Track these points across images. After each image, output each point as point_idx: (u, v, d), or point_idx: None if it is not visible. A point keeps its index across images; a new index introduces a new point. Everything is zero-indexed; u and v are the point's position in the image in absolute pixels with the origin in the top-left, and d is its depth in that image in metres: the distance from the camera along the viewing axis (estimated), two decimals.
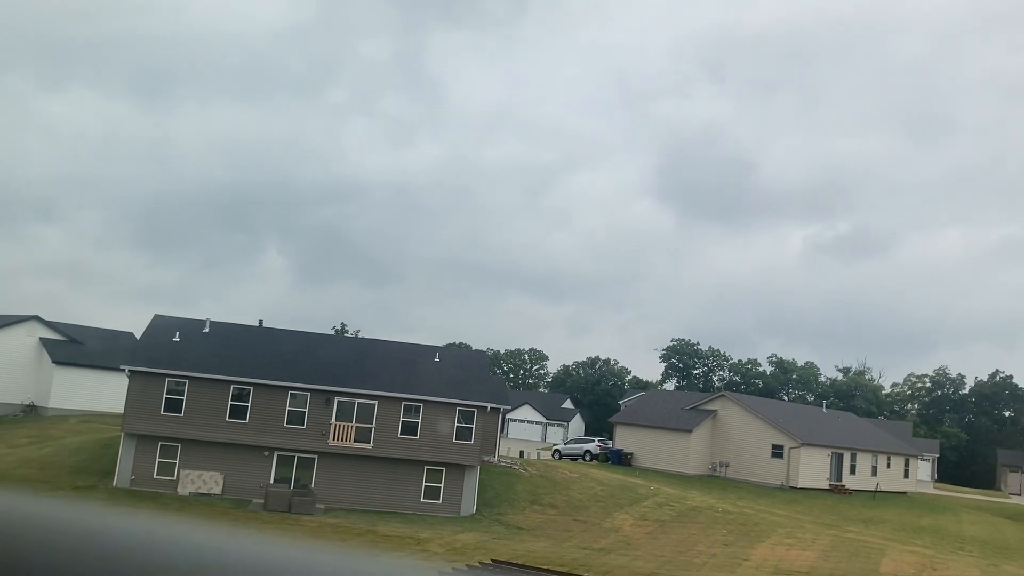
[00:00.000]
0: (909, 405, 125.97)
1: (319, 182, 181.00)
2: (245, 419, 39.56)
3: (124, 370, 39.59)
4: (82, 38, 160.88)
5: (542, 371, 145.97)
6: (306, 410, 39.93)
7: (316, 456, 39.98)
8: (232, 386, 39.73)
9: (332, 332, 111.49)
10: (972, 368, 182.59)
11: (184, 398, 39.27)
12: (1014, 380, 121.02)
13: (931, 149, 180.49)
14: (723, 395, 69.04)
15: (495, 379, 56.41)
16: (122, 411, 40.05)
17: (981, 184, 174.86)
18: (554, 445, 77.90)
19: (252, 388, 39.81)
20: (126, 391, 39.45)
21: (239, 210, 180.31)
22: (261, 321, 48.94)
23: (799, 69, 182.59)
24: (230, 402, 39.62)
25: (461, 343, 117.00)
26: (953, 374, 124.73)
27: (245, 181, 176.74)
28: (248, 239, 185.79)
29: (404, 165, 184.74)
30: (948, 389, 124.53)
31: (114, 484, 38.28)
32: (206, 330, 43.39)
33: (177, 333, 41.94)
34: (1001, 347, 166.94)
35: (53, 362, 56.30)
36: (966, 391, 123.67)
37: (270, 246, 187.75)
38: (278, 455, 39.88)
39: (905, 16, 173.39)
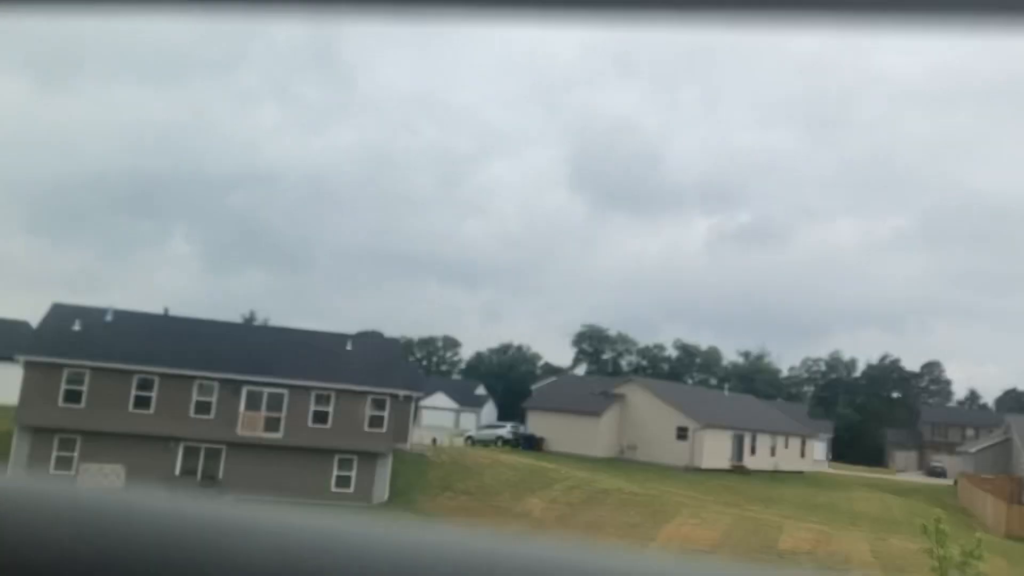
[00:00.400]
0: (806, 388, 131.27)
1: (228, 168, 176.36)
2: (150, 409, 38.63)
3: (19, 360, 38.10)
4: None
5: (456, 358, 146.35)
6: (214, 400, 39.23)
7: (224, 446, 39.32)
8: (136, 376, 38.71)
9: (241, 321, 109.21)
10: (863, 352, 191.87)
11: (85, 388, 38.08)
12: (901, 363, 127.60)
13: (826, 143, 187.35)
14: (631, 379, 70.65)
15: (408, 366, 56.39)
16: (16, 403, 38.54)
17: (872, 178, 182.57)
18: (467, 432, 78.30)
19: (157, 378, 38.87)
20: (21, 382, 37.99)
21: (145, 196, 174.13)
22: (167, 309, 47.72)
23: (702, 64, 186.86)
24: (134, 392, 38.63)
25: (374, 331, 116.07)
26: (846, 358, 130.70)
27: (151, 166, 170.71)
28: (154, 226, 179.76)
29: (317, 151, 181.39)
30: (842, 372, 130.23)
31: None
32: (109, 319, 42.05)
33: (77, 322, 40.54)
34: (889, 332, 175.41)
35: None
36: (858, 374, 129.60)
37: (177, 233, 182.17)
38: (185, 446, 39.08)
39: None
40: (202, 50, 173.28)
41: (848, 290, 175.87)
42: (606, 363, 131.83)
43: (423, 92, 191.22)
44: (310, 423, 40.02)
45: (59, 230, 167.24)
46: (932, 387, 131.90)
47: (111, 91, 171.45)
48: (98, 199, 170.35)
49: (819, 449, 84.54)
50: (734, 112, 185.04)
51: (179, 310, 53.08)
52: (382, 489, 40.86)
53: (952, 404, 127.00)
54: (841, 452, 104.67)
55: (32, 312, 50.30)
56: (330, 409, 40.27)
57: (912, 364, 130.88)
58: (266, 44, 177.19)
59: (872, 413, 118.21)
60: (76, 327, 40.13)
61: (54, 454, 37.71)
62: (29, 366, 37.78)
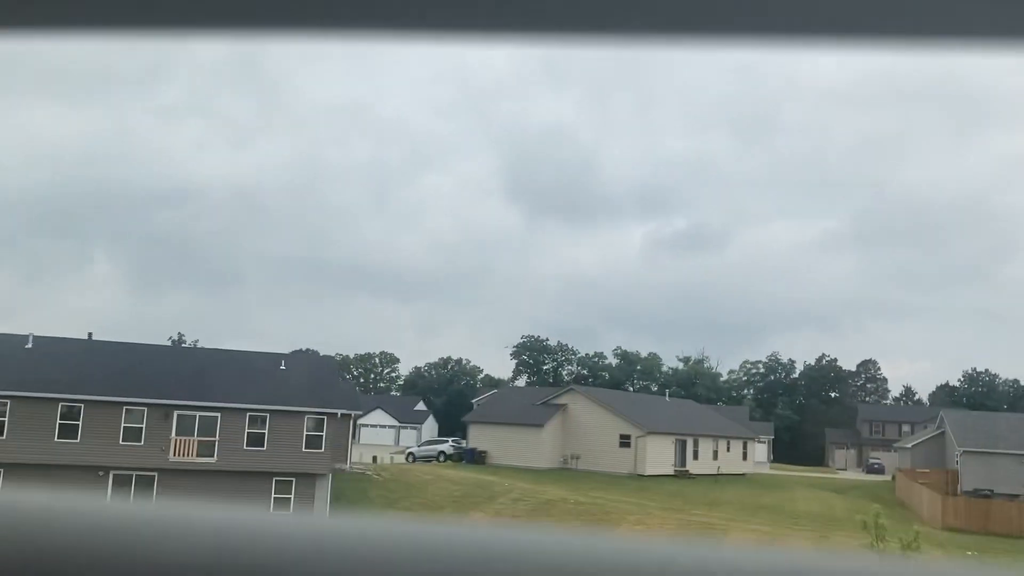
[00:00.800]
0: (745, 391, 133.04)
1: (152, 186, 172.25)
2: (76, 438, 37.16)
3: None
4: None
5: (394, 374, 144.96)
6: (143, 426, 37.94)
7: (156, 473, 38.03)
8: (60, 404, 37.23)
9: (169, 343, 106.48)
10: (801, 353, 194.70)
11: (6, 419, 36.49)
12: (838, 363, 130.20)
13: (756, 148, 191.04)
14: (572, 389, 70.61)
15: (345, 384, 55.46)
16: None
17: (801, 180, 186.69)
18: (407, 448, 77.37)
19: (83, 405, 37.45)
20: None
21: (66, 217, 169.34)
22: (91, 334, 46.11)
23: (633, 71, 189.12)
24: (58, 421, 37.15)
25: (309, 349, 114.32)
26: (784, 359, 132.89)
27: (72, 186, 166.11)
28: (76, 247, 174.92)
29: (244, 167, 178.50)
30: (780, 374, 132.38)
31: None
32: (29, 345, 40.43)
33: None
34: (825, 333, 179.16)
35: None
36: (796, 375, 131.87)
37: (100, 254, 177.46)
38: (114, 474, 37.68)
39: None
40: (121, 66, 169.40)
41: (784, 292, 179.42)
42: (547, 374, 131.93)
43: (351, 103, 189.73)
44: (245, 446, 38.96)
45: None
46: (869, 385, 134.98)
47: (28, 110, 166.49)
48: (16, 221, 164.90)
49: (761, 451, 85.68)
50: (666, 118, 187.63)
51: (104, 334, 51.30)
52: (323, 510, 39.92)
53: (888, 401, 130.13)
54: (782, 453, 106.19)
55: None
56: (265, 431, 39.27)
57: (849, 363, 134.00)
58: (187, 58, 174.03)
59: (811, 413, 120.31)
60: None
61: None
62: None
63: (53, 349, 40.94)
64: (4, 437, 36.36)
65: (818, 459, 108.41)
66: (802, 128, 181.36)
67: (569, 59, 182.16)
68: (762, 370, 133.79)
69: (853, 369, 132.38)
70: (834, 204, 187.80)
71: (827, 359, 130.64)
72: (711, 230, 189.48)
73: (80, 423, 37.45)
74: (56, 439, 36.97)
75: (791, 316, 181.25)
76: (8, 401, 36.67)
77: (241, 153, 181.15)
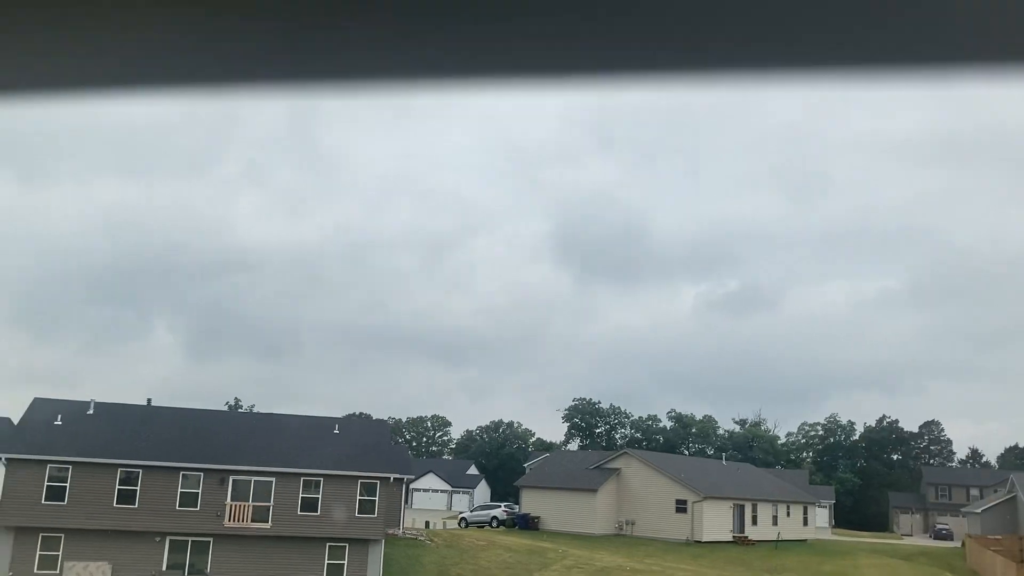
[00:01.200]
0: (804, 453, 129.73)
1: (209, 256, 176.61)
2: (134, 504, 37.62)
3: (0, 458, 37.22)
4: None
5: (445, 437, 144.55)
6: (199, 491, 38.27)
7: (211, 539, 38.23)
8: (119, 469, 37.82)
9: (225, 408, 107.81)
10: (861, 415, 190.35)
11: (68, 485, 37.14)
12: (900, 424, 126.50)
13: (807, 207, 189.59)
14: (626, 452, 69.62)
15: (397, 448, 55.48)
16: None
17: (856, 239, 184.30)
18: (460, 513, 76.71)
19: (141, 471, 37.98)
20: (2, 480, 37.02)
21: (125, 287, 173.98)
22: (149, 400, 47.01)
23: (681, 134, 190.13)
24: (118, 486, 37.68)
25: (361, 413, 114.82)
26: (843, 421, 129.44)
27: (131, 257, 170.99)
28: (135, 316, 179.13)
29: (298, 235, 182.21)
30: (840, 436, 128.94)
31: None
32: (90, 412, 41.30)
33: (59, 416, 39.77)
34: (885, 393, 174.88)
35: None
36: (856, 437, 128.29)
37: (159, 323, 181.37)
38: (171, 540, 37.97)
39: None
40: (180, 140, 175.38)
41: (841, 353, 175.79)
42: (600, 437, 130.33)
43: (402, 172, 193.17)
44: (299, 511, 39.01)
45: (40, 324, 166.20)
46: (932, 447, 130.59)
47: (91, 183, 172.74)
48: (79, 291, 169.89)
49: (822, 516, 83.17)
50: (716, 180, 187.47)
51: (163, 400, 52.34)
52: None
53: (954, 464, 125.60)
54: (844, 518, 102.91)
55: (13, 408, 49.45)
56: (319, 496, 39.32)
57: (911, 424, 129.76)
58: (244, 132, 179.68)
59: (873, 476, 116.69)
60: (58, 421, 39.36)
61: (38, 553, 36.58)
62: (11, 463, 36.90)
63: (113, 415, 41.75)
64: (66, 503, 36.93)
65: (882, 524, 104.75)
66: (854, 185, 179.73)
67: (616, 124, 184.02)
68: (821, 432, 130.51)
69: (916, 430, 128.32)
70: (890, 262, 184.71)
71: (888, 420, 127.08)
72: (764, 290, 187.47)
73: (138, 489, 37.93)
74: (115, 504, 37.44)
75: (849, 377, 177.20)
76: (70, 467, 37.34)
77: (295, 222, 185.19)
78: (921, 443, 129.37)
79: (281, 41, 0.71)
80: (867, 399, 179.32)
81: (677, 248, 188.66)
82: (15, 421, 45.56)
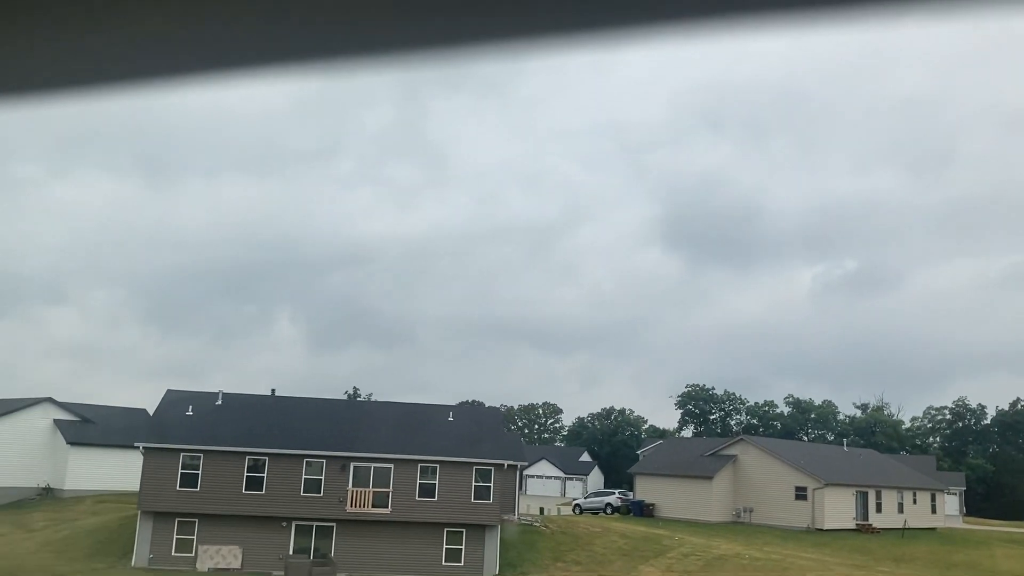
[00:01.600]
0: (931, 438, 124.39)
1: (328, 250, 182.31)
2: (262, 490, 39.27)
3: (138, 447, 39.46)
4: (89, 119, 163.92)
5: (557, 425, 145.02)
6: (322, 477, 39.64)
7: (335, 524, 39.57)
8: (247, 457, 39.54)
9: (345, 397, 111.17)
10: (992, 398, 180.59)
11: (199, 472, 39.07)
12: None
13: (932, 182, 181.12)
14: (742, 439, 68.31)
15: (510, 435, 56.05)
16: (138, 489, 39.80)
17: (985, 214, 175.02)
18: (574, 500, 76.95)
19: (267, 458, 39.60)
20: (141, 469, 39.26)
21: (249, 282, 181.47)
22: (274, 390, 48.92)
23: (795, 112, 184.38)
24: (246, 474, 39.40)
25: (474, 401, 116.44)
26: (973, 404, 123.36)
27: (254, 253, 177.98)
28: (259, 310, 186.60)
29: (411, 228, 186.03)
30: (969, 420, 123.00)
31: (132, 564, 37.89)
32: (219, 402, 43.32)
33: (190, 407, 41.89)
34: (1018, 375, 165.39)
35: (67, 443, 56.13)
36: (988, 421, 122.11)
37: (280, 315, 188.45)
38: (296, 525, 39.50)
39: (899, 53, 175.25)
40: (297, 140, 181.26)
41: (969, 333, 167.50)
42: (714, 423, 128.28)
43: (509, 160, 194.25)
44: (417, 497, 39.94)
45: (169, 320, 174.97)
46: None
47: (215, 184, 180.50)
48: (205, 287, 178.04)
49: (951, 503, 79.65)
50: (831, 157, 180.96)
51: (285, 390, 54.40)
52: (493, 561, 40.26)
53: None
54: (976, 506, 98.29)
55: (148, 400, 52.27)
56: (436, 482, 40.15)
57: None
58: (357, 129, 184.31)
59: (1008, 462, 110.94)
60: (189, 412, 41.43)
61: (175, 537, 38.65)
62: (148, 452, 39.08)
63: (240, 405, 43.68)
64: (199, 489, 38.88)
65: (1018, 513, 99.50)
66: (981, 160, 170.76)
67: (725, 105, 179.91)
68: (948, 416, 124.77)
69: None
70: (1020, 236, 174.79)
71: (1023, 403, 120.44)
72: (885, 270, 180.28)
73: (265, 475, 39.56)
74: (244, 491, 39.18)
75: (979, 358, 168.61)
76: (201, 455, 39.27)
77: (408, 215, 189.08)
78: None
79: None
80: (998, 381, 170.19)
81: (792, 229, 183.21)
82: (150, 412, 48.22)
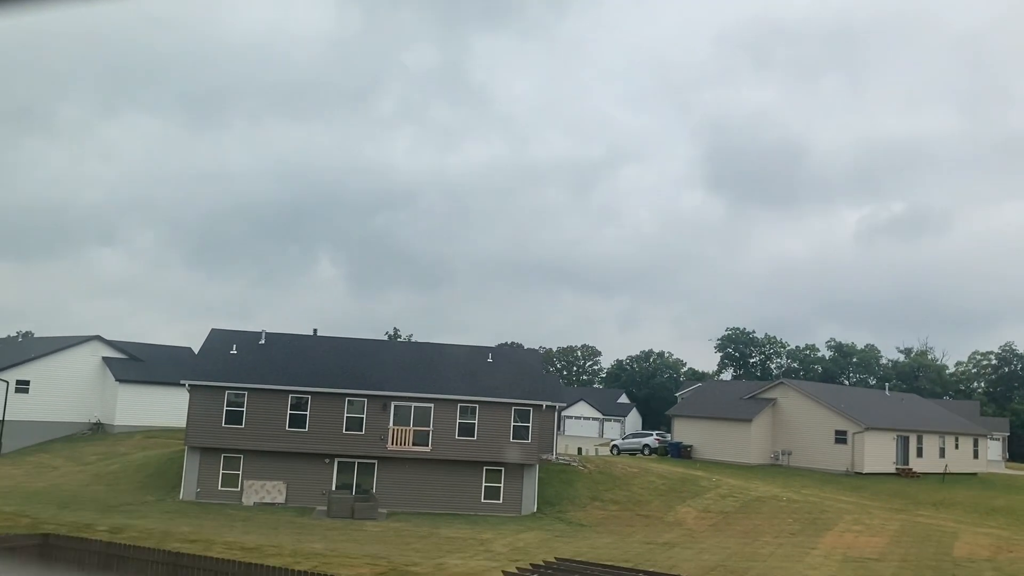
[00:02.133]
0: (975, 384, 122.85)
1: (369, 191, 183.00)
2: (305, 428, 40.00)
3: (184, 385, 40.31)
4: (136, 63, 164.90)
5: (596, 367, 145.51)
6: (364, 416, 40.24)
7: (376, 461, 40.28)
8: (290, 395, 40.21)
9: (386, 338, 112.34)
10: None
11: (244, 410, 39.85)
12: None
13: (984, 123, 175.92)
14: (782, 382, 68.01)
15: (549, 377, 56.28)
16: (185, 425, 40.79)
17: None
18: (612, 441, 77.49)
19: (310, 397, 40.23)
20: (187, 405, 40.16)
21: (292, 223, 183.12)
22: (316, 330, 49.50)
23: (845, 50, 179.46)
24: (289, 411, 40.10)
25: (514, 343, 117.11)
26: (1020, 350, 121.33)
27: (297, 194, 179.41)
28: (301, 251, 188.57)
29: (452, 169, 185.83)
30: (1016, 365, 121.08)
31: (180, 497, 39.01)
32: (262, 342, 43.98)
33: (234, 346, 42.58)
34: None
35: (116, 380, 57.62)
36: None
37: (323, 256, 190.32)
38: (339, 462, 40.27)
39: None
40: (340, 82, 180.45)
41: (1018, 277, 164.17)
42: (754, 367, 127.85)
43: (552, 101, 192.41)
44: (456, 436, 40.44)
45: (214, 260, 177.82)
46: None
47: (258, 125, 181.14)
48: (249, 228, 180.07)
49: (994, 449, 78.93)
50: (882, 97, 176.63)
51: (327, 330, 54.99)
52: (531, 500, 40.80)
53: None
54: (1020, 451, 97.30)
55: (193, 338, 53.28)
56: (475, 421, 40.59)
57: None
58: (399, 71, 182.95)
59: None
60: (233, 351, 42.14)
61: (221, 472, 39.64)
62: (194, 390, 39.91)
63: (283, 345, 44.31)
64: (243, 426, 39.71)
65: None
66: None
67: (774, 42, 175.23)
68: (994, 361, 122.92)
69: None
70: None
71: None
72: (933, 213, 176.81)
73: (307, 414, 40.25)
74: (287, 428, 39.95)
75: None
76: (245, 393, 40.02)
77: (450, 156, 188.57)
78: None
79: None
80: None
81: (839, 171, 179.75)
82: (195, 351, 49.15)
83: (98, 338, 60.13)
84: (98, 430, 57.21)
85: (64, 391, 57.24)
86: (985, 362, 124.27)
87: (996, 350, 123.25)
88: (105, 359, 59.41)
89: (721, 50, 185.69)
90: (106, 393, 58.35)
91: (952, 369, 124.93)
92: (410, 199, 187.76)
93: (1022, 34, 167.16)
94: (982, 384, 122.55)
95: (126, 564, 22.05)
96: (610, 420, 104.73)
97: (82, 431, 56.92)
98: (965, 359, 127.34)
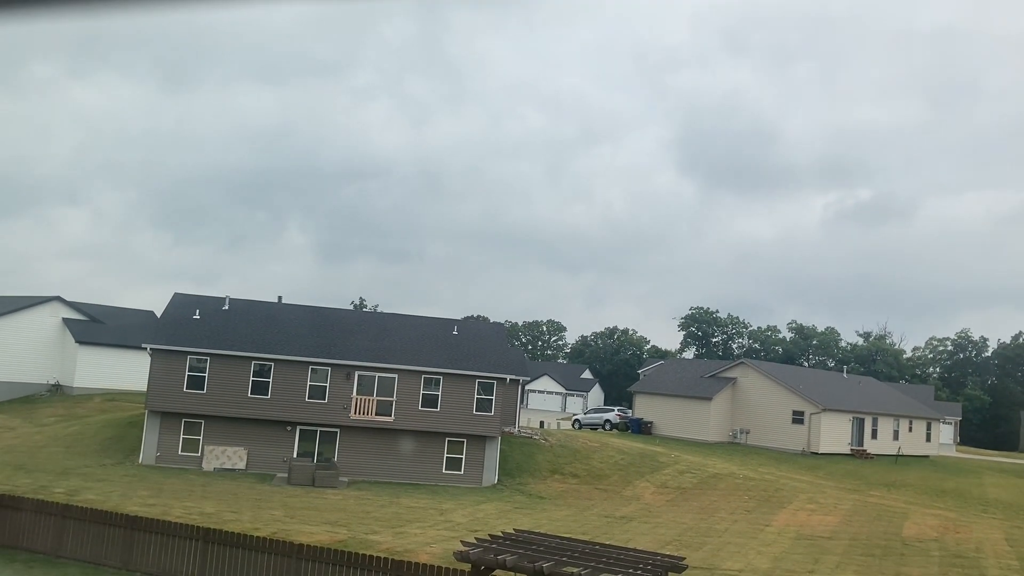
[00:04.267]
0: (931, 369, 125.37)
1: (341, 161, 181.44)
2: (267, 395, 39.87)
3: (146, 349, 39.92)
4: (109, 24, 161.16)
5: (560, 342, 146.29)
6: (327, 385, 40.18)
7: (338, 430, 40.28)
8: (253, 362, 39.99)
9: (352, 308, 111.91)
10: (994, 330, 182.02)
11: (206, 375, 39.59)
12: None
13: (951, 114, 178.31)
14: (743, 362, 68.93)
15: (513, 351, 56.52)
16: (145, 389, 40.45)
17: (1001, 148, 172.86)
18: (574, 415, 78.14)
19: (273, 364, 40.07)
20: (148, 369, 39.81)
21: (261, 190, 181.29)
22: (280, 297, 49.20)
23: (819, 38, 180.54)
24: (252, 378, 39.92)
25: (479, 316, 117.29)
26: (975, 337, 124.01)
27: (268, 162, 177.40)
28: (270, 218, 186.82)
29: (426, 143, 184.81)
30: (970, 352, 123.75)
31: (140, 461, 38.77)
32: (226, 307, 43.61)
33: (197, 311, 42.20)
34: (1022, 309, 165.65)
35: (76, 342, 56.84)
36: (988, 353, 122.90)
37: (292, 225, 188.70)
38: (300, 430, 40.22)
39: None
40: (316, 51, 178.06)
41: (977, 266, 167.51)
42: (716, 346, 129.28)
43: (528, 79, 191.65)
44: (420, 407, 40.56)
45: (182, 224, 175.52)
46: None
47: (231, 91, 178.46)
48: (217, 194, 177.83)
49: (946, 433, 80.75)
50: (854, 85, 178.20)
51: (293, 298, 54.71)
52: (492, 472, 41.11)
53: None
54: (971, 436, 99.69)
55: (156, 303, 52.77)
56: (439, 393, 40.71)
57: None
58: (377, 42, 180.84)
59: (1005, 394, 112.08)
60: (196, 316, 41.78)
61: (181, 437, 39.42)
62: (155, 353, 39.54)
63: (246, 311, 43.97)
64: (205, 392, 39.49)
65: (1012, 443, 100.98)
66: (1003, 93, 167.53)
67: (749, 27, 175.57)
68: (950, 348, 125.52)
69: None
70: None
71: None
72: (898, 201, 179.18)
73: (270, 381, 40.11)
74: (249, 395, 39.79)
75: (984, 291, 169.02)
76: (208, 359, 39.74)
77: (424, 129, 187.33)
78: None
79: None
80: (1002, 315, 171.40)
81: (808, 156, 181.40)
82: (158, 315, 48.63)
83: (58, 299, 59.21)
84: (57, 392, 56.52)
85: (22, 352, 56.37)
86: (941, 348, 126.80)
87: (952, 336, 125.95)
88: (65, 320, 58.57)
89: (697, 33, 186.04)
90: (66, 355, 57.58)
91: (909, 354, 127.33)
92: (383, 170, 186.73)
93: (991, 29, 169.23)
94: (937, 369, 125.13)
95: (83, 527, 21.96)
96: (573, 395, 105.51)
97: (40, 392, 56.18)
98: (922, 344, 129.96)
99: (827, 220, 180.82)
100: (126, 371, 55.02)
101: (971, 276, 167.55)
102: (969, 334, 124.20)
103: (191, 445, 39.44)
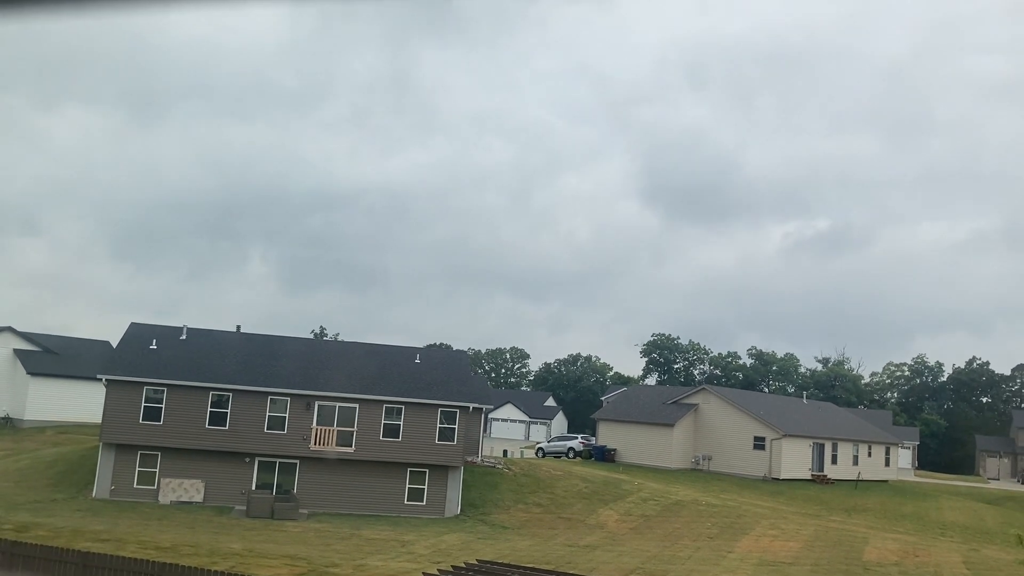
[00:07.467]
0: (888, 394, 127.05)
1: (308, 192, 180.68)
2: (225, 426, 39.18)
3: (101, 379, 39.08)
4: (77, 56, 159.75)
5: (524, 369, 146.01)
6: (286, 415, 39.60)
7: (298, 461, 39.67)
8: (211, 392, 39.33)
9: (312, 337, 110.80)
10: (949, 356, 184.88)
11: (163, 406, 38.84)
12: (991, 366, 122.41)
13: (906, 147, 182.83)
14: (704, 388, 69.26)
15: (476, 379, 56.24)
16: (100, 421, 39.55)
17: (954, 180, 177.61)
18: (537, 443, 77.81)
19: (231, 394, 39.42)
20: (104, 401, 38.95)
21: (225, 220, 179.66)
22: (239, 327, 48.56)
23: (777, 73, 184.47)
24: (209, 409, 39.23)
25: (443, 344, 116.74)
26: (931, 362, 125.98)
27: (233, 192, 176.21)
28: (232, 248, 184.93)
29: (393, 173, 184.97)
30: (927, 377, 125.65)
31: (93, 495, 37.81)
32: (183, 337, 42.92)
33: (154, 341, 41.46)
34: (977, 335, 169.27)
35: (28, 373, 55.57)
36: (944, 379, 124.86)
37: (254, 254, 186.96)
38: (259, 461, 39.54)
39: (882, 20, 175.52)
40: (286, 83, 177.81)
41: (932, 293, 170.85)
42: (678, 373, 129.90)
43: (495, 110, 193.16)
44: (381, 437, 40.10)
45: (143, 254, 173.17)
46: None
47: (198, 123, 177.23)
48: (181, 224, 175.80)
49: (905, 457, 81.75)
50: (811, 119, 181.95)
51: (256, 328, 54.00)
52: (455, 502, 40.70)
53: None
54: (928, 460, 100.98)
55: (114, 333, 51.83)
56: (401, 423, 40.31)
57: (1003, 367, 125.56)
58: (347, 75, 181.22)
59: (960, 418, 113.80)
60: (153, 346, 41.05)
61: (137, 470, 38.55)
62: (110, 385, 38.72)
63: (205, 341, 43.31)
64: (161, 423, 38.71)
65: (968, 467, 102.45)
66: (955, 127, 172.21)
67: (711, 63, 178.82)
68: (907, 373, 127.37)
69: (1007, 373, 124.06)
70: (986, 204, 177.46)
71: (978, 362, 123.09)
72: (854, 231, 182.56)
73: (228, 411, 39.42)
74: (207, 426, 39.07)
75: (939, 318, 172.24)
76: (164, 389, 39.00)
77: (391, 160, 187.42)
78: (1013, 386, 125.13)
79: None
80: (957, 341, 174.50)
81: (767, 188, 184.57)
82: (114, 345, 47.71)
83: (10, 329, 57.94)
84: (6, 425, 55.11)
85: None
86: (899, 373, 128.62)
87: (909, 362, 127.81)
88: (16, 351, 57.27)
89: (660, 69, 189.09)
90: (16, 386, 56.23)
91: (867, 379, 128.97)
92: (349, 201, 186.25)
93: (944, 64, 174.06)
94: (895, 394, 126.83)
95: (32, 564, 21.29)
96: (536, 423, 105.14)
97: None
98: (880, 370, 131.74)
99: (786, 249, 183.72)
100: (79, 403, 53.85)
101: (926, 303, 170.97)
102: (925, 359, 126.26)
103: (147, 478, 38.57)
